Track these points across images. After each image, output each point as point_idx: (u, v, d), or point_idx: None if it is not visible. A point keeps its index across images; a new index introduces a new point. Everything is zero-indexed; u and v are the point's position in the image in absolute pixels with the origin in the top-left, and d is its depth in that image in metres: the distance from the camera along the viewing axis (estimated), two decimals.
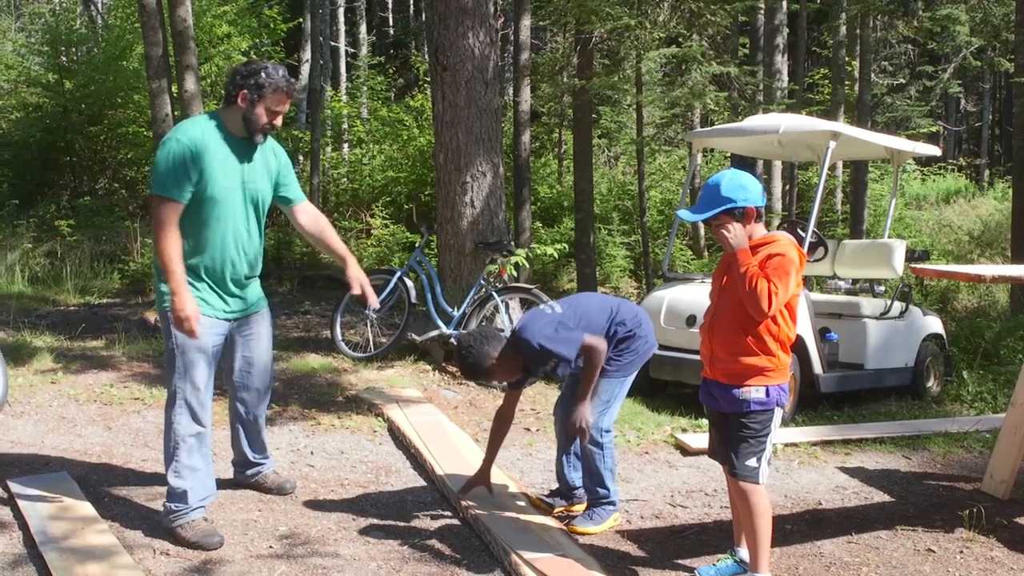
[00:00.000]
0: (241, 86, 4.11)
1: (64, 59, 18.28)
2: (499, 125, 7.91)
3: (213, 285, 4.18)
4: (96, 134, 17.68)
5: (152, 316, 10.07)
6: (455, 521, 4.58)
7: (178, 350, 4.09)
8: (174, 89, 11.03)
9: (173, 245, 3.98)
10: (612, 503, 4.61)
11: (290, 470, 5.22)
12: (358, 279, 4.55)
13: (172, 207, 3.98)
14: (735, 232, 3.60)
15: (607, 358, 4.40)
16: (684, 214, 3.81)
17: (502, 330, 7.52)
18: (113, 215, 15.77)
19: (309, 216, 4.59)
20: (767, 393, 3.63)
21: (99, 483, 4.87)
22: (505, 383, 4.56)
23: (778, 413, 3.71)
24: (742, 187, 3.64)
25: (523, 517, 4.43)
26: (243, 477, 4.83)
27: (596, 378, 4.34)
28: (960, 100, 30.17)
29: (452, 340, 7.67)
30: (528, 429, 6.33)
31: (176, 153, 3.98)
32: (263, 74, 4.10)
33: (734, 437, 3.72)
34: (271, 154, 4.35)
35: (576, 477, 4.71)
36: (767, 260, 3.58)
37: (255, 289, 4.45)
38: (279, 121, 4.22)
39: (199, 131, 4.07)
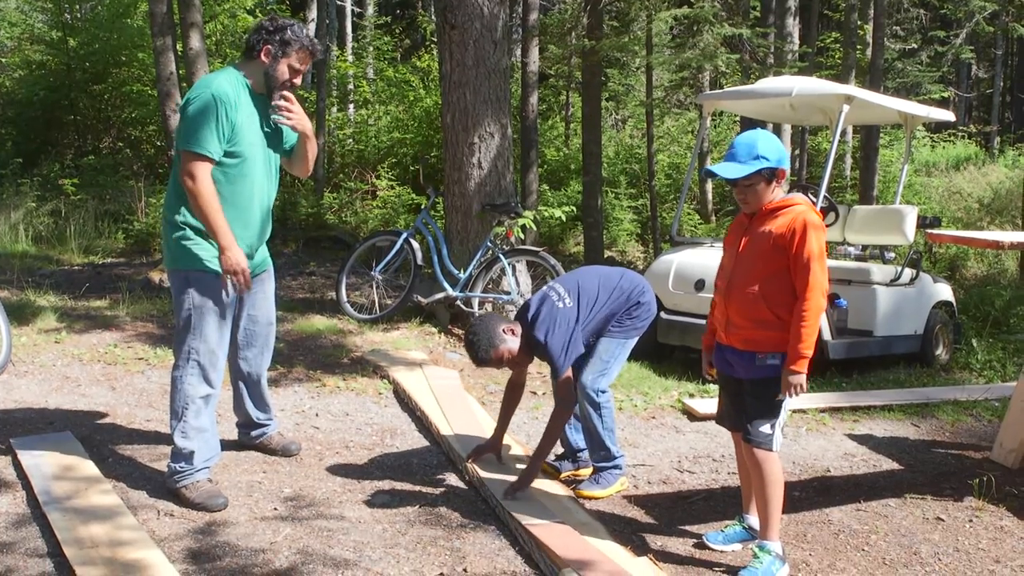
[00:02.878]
0: (266, 41, 4.03)
1: (68, 16, 18.05)
2: (507, 85, 7.81)
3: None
4: (100, 92, 17.53)
5: (157, 275, 10.04)
6: (461, 484, 4.56)
7: (195, 310, 4.00)
8: (178, 47, 10.91)
9: (214, 201, 3.89)
10: (618, 467, 4.59)
11: (295, 432, 5.19)
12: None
13: (206, 163, 3.89)
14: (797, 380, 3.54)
15: (613, 320, 4.46)
16: (719, 168, 3.63)
17: (508, 293, 7.46)
18: (118, 174, 15.66)
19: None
20: (784, 359, 3.57)
21: (103, 443, 4.85)
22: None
23: None
24: (778, 149, 3.58)
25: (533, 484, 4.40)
26: (248, 438, 4.79)
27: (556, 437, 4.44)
28: (972, 66, 29.83)
29: (458, 303, 7.62)
30: (534, 392, 6.30)
31: (209, 106, 3.87)
32: (289, 31, 4.04)
33: (749, 403, 3.67)
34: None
35: (579, 439, 4.69)
36: (798, 237, 3.50)
37: (263, 248, 4.39)
38: (299, 80, 4.15)
39: (228, 85, 3.96)
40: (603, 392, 4.49)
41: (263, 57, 4.05)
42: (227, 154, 3.96)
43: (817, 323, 3.52)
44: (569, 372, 4.31)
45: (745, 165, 3.57)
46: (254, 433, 4.77)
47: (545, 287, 4.55)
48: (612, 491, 4.54)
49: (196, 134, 3.86)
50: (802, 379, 3.51)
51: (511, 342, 4.27)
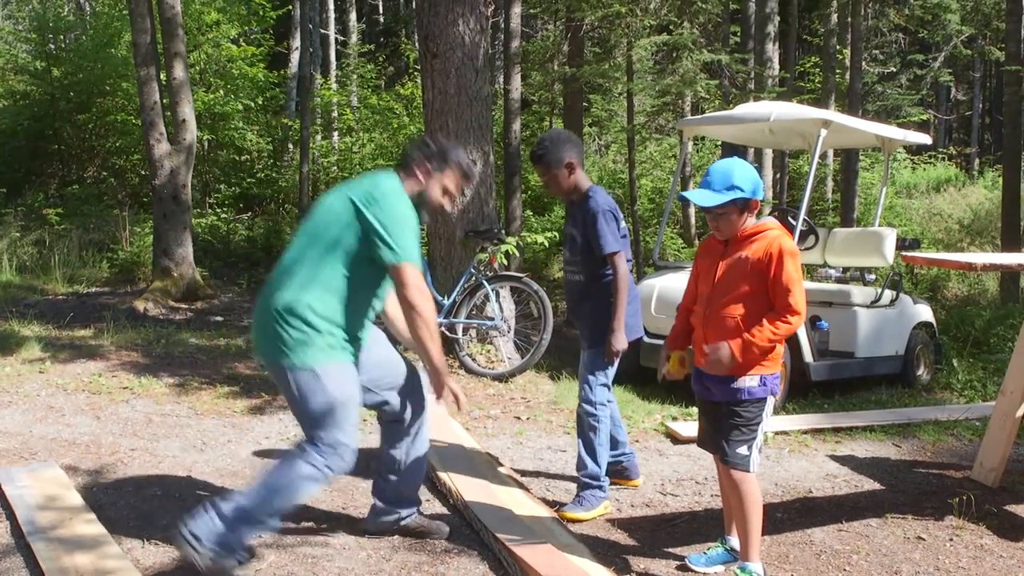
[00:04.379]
0: (426, 159, 3.97)
1: (52, 46, 18.14)
2: (489, 113, 7.88)
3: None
4: (84, 122, 17.58)
5: (142, 304, 10.04)
6: (444, 509, 4.57)
7: (334, 402, 3.70)
8: (163, 76, 10.96)
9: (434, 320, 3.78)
10: (601, 488, 4.63)
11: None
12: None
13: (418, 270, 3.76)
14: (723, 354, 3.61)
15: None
16: (693, 195, 3.70)
17: (492, 319, 7.50)
18: (102, 204, 15.69)
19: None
20: (761, 382, 3.62)
21: (88, 473, 4.85)
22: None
23: (770, 401, 3.71)
24: (753, 180, 3.63)
25: (514, 504, 4.42)
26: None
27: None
28: (951, 89, 30.17)
29: (442, 329, 7.64)
30: (518, 418, 6.32)
31: (414, 220, 3.78)
32: (451, 153, 4.01)
33: (726, 425, 3.71)
34: None
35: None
36: (775, 263, 3.56)
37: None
38: (449, 204, 4.12)
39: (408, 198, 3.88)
40: (602, 405, 4.59)
41: (420, 175, 3.98)
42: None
43: (780, 338, 3.59)
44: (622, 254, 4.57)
45: (719, 194, 3.62)
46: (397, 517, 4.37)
47: None
48: (595, 514, 4.56)
49: (410, 245, 3.70)
50: (726, 360, 3.63)
51: (575, 174, 4.60)
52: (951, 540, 4.40)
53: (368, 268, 3.73)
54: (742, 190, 3.60)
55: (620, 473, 4.98)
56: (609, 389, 4.70)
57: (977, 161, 26.97)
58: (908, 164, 23.78)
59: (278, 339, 3.65)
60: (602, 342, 4.56)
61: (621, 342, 4.52)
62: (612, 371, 4.66)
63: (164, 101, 10.95)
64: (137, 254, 12.76)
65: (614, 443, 4.88)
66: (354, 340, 3.79)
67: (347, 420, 3.73)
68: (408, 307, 3.70)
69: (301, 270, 3.70)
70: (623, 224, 4.68)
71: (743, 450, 3.66)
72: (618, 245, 4.55)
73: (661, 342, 7.28)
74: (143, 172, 16.54)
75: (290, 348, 3.64)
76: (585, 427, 4.60)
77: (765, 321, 3.57)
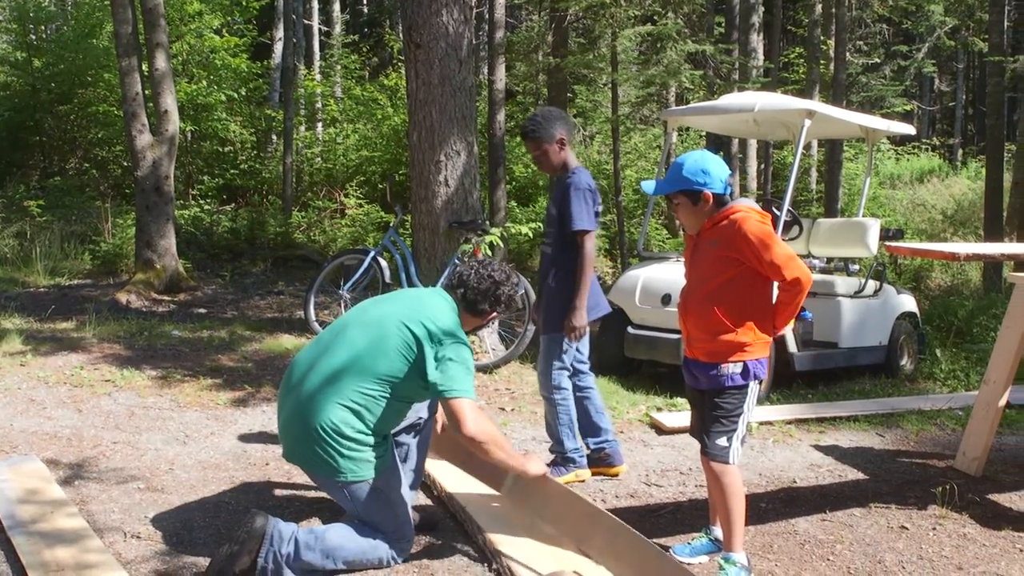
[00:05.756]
0: (496, 307, 4.00)
1: (33, 37, 17.99)
2: (473, 103, 7.84)
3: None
4: (66, 113, 17.42)
5: (124, 296, 9.98)
6: (428, 501, 4.56)
7: (385, 501, 3.78)
8: (144, 67, 10.88)
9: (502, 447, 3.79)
10: (574, 460, 4.83)
11: (263, 452, 5.18)
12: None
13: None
14: None
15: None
16: (646, 184, 3.85)
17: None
18: (84, 195, 15.56)
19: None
20: (744, 368, 3.62)
21: (69, 466, 4.82)
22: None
23: (753, 390, 3.69)
24: (704, 171, 3.62)
25: (498, 495, 4.41)
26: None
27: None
28: (934, 80, 30.28)
29: None
30: (503, 409, 6.32)
31: (471, 358, 3.81)
32: (514, 301, 4.10)
33: (707, 416, 3.71)
34: None
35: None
36: (742, 243, 3.55)
37: None
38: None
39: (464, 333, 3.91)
40: (560, 389, 4.77)
41: (486, 319, 4.05)
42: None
43: (793, 307, 3.63)
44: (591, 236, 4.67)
45: (666, 184, 3.71)
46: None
47: None
48: (563, 480, 4.71)
49: (468, 384, 3.72)
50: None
51: (564, 150, 4.73)
52: (934, 529, 4.42)
53: (418, 390, 3.78)
54: (690, 183, 3.62)
55: (603, 460, 5.00)
56: (576, 373, 4.87)
57: (960, 152, 27.07)
58: (892, 155, 23.86)
59: (327, 458, 3.68)
60: (558, 328, 4.71)
61: (581, 319, 4.64)
62: (571, 354, 4.80)
63: (146, 92, 10.86)
64: (119, 246, 12.66)
65: (596, 430, 4.93)
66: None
67: (406, 512, 3.85)
68: (471, 443, 3.69)
69: (346, 388, 3.68)
70: (599, 206, 4.79)
71: (722, 441, 3.66)
72: (589, 224, 4.64)
73: (645, 332, 7.35)
74: (125, 164, 16.41)
75: (342, 468, 3.68)
76: (553, 411, 4.82)
77: (777, 301, 3.66)
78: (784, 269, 3.52)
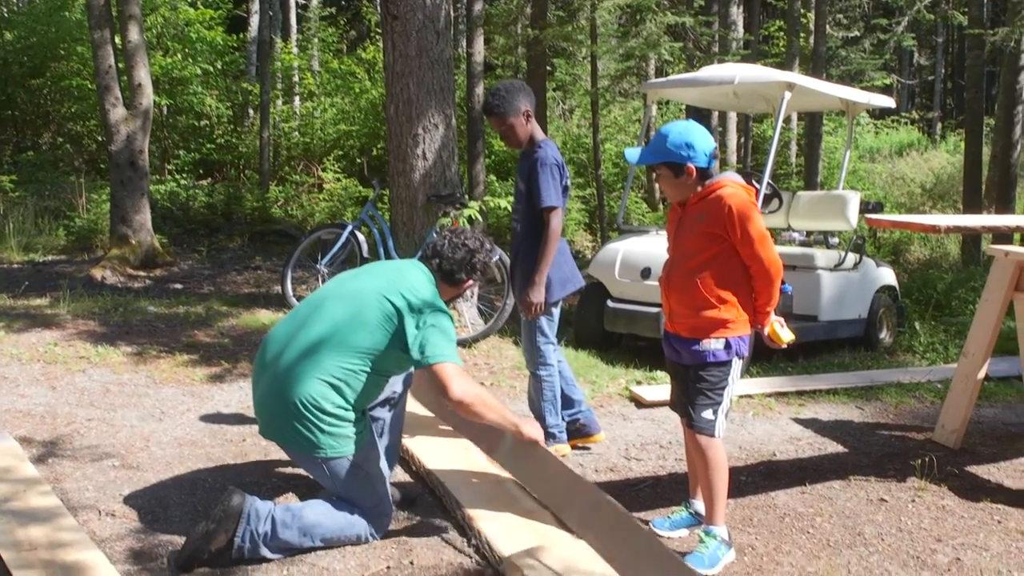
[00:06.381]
0: (471, 273, 3.99)
1: (4, 9, 17.71)
2: (451, 76, 7.76)
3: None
4: (39, 87, 17.17)
5: (99, 273, 9.88)
6: (407, 477, 4.53)
7: (367, 477, 3.75)
8: (118, 40, 10.71)
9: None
10: (553, 436, 4.80)
11: (240, 429, 5.12)
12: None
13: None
14: None
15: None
16: (630, 152, 3.80)
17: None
18: (58, 170, 15.38)
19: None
20: (727, 344, 3.59)
21: (42, 444, 4.75)
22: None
23: (737, 365, 3.67)
24: (688, 144, 3.56)
25: (476, 471, 4.38)
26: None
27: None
28: (914, 53, 30.29)
29: None
30: (482, 383, 6.28)
31: (452, 327, 3.78)
32: (487, 268, 4.10)
33: (692, 389, 3.68)
34: None
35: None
36: (724, 220, 3.51)
37: None
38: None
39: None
40: (546, 364, 4.74)
41: (462, 289, 4.04)
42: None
43: (769, 294, 3.60)
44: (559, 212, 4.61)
45: (650, 154, 3.66)
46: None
47: None
48: None
49: (451, 350, 3.69)
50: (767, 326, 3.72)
51: (531, 122, 4.67)
52: (913, 501, 4.42)
53: (398, 362, 3.76)
54: (674, 155, 3.56)
55: (579, 431, 4.99)
56: (555, 347, 4.82)
57: (939, 125, 27.15)
58: (871, 128, 23.90)
59: (307, 433, 3.63)
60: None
61: (538, 295, 4.59)
62: (554, 326, 4.76)
63: (120, 65, 10.70)
64: (94, 221, 12.51)
65: (568, 402, 4.92)
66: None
67: (384, 488, 3.81)
68: (459, 407, 3.67)
69: (325, 362, 3.63)
70: (567, 180, 4.72)
71: (708, 414, 3.63)
72: (556, 201, 4.58)
73: (625, 306, 7.33)
74: (100, 138, 16.22)
75: (322, 443, 3.64)
76: (538, 387, 4.78)
77: (754, 288, 3.62)
78: (754, 249, 3.52)
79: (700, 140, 3.58)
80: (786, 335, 3.75)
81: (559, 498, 3.88)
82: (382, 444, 4.07)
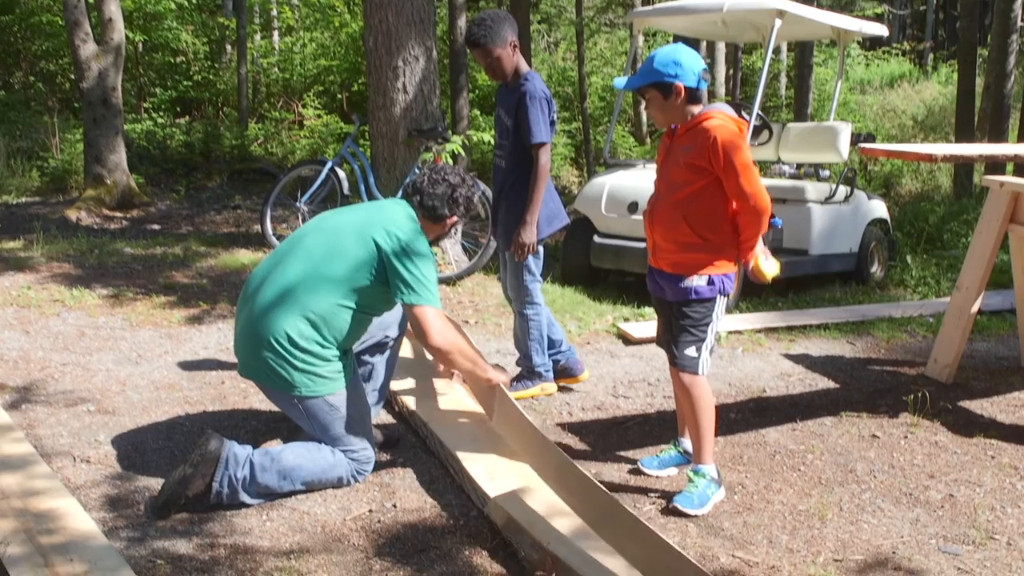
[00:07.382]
0: (454, 208, 3.84)
1: None
2: (432, 6, 7.52)
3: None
4: (8, 24, 16.72)
5: (74, 214, 9.69)
6: (390, 418, 4.43)
7: (345, 419, 3.65)
8: None
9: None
10: (539, 375, 4.73)
11: (219, 371, 5.01)
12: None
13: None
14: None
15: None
16: (618, 81, 3.72)
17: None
18: (30, 110, 15.05)
19: None
20: (710, 281, 3.48)
21: (16, 390, 4.63)
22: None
23: (721, 302, 3.57)
24: (676, 63, 3.41)
25: (460, 409, 4.29)
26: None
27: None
28: None
29: None
30: (467, 322, 6.17)
31: (434, 266, 3.70)
32: (472, 203, 3.95)
33: (675, 326, 3.58)
34: None
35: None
36: (709, 151, 3.36)
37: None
38: None
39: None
40: (533, 303, 4.62)
41: (448, 224, 3.90)
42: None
43: (754, 232, 3.47)
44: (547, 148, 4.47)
45: (637, 78, 3.52)
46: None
47: None
48: (527, 394, 4.69)
49: (434, 291, 3.61)
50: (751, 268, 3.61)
51: (516, 54, 4.47)
52: (905, 437, 4.35)
53: (378, 299, 3.65)
54: (661, 75, 3.41)
55: (563, 372, 4.90)
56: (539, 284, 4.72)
57: (931, 56, 26.86)
58: (862, 60, 23.63)
59: (281, 371, 3.53)
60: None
61: (531, 235, 4.45)
62: (540, 264, 4.65)
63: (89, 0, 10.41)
64: (68, 162, 12.27)
65: (550, 343, 4.81)
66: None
67: (366, 430, 3.72)
68: (437, 352, 3.67)
69: (302, 298, 3.53)
70: (555, 114, 4.57)
71: (691, 351, 3.52)
72: (545, 136, 4.43)
73: (612, 241, 7.21)
74: (73, 77, 15.88)
75: (296, 381, 3.54)
76: (524, 326, 4.67)
77: (738, 223, 3.48)
78: (739, 183, 3.37)
79: (688, 59, 3.43)
80: (770, 269, 3.62)
81: (529, 454, 3.79)
82: (370, 388, 3.98)
